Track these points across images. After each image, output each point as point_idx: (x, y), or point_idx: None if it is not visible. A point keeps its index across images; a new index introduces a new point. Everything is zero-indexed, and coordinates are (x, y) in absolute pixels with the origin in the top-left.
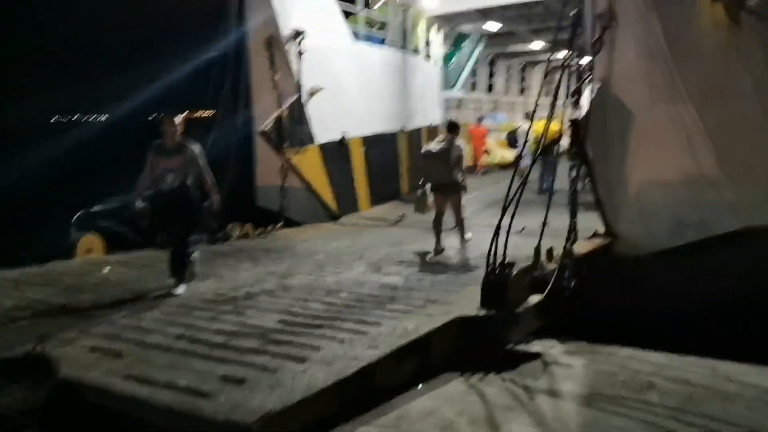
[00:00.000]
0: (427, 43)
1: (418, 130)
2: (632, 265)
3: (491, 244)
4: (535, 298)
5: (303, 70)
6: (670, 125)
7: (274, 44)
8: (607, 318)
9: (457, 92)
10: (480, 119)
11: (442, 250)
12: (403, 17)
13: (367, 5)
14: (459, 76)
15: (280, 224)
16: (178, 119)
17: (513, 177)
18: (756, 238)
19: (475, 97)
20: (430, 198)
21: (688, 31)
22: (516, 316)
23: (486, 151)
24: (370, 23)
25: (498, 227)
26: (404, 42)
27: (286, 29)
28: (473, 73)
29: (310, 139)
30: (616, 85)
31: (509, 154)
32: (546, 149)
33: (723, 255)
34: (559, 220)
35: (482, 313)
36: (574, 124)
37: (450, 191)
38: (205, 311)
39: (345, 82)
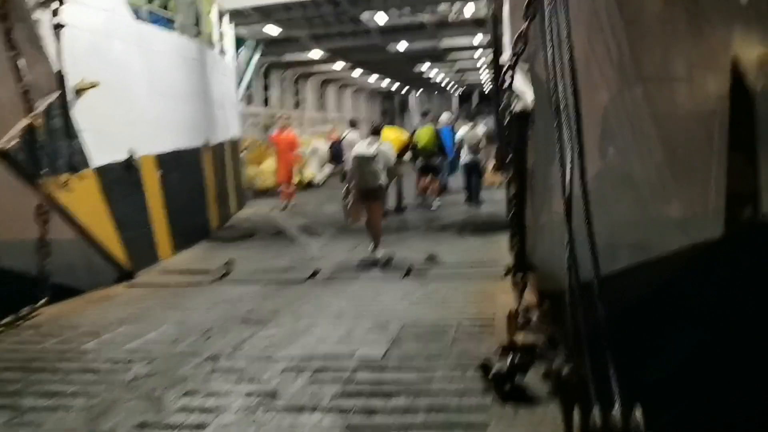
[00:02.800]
0: (220, 37)
1: (221, 146)
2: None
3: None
4: None
5: (65, 54)
6: (614, 119)
7: (11, 12)
8: None
9: None
10: (284, 125)
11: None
12: None
13: None
14: (238, 87)
15: (43, 301)
16: None
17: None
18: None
19: (253, 110)
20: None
21: None
22: None
23: (299, 169)
24: None
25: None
26: (198, 29)
27: None
28: (248, 84)
29: (83, 161)
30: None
31: (308, 172)
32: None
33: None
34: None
35: None
36: (520, 117)
37: (374, 197)
38: None
39: (128, 77)
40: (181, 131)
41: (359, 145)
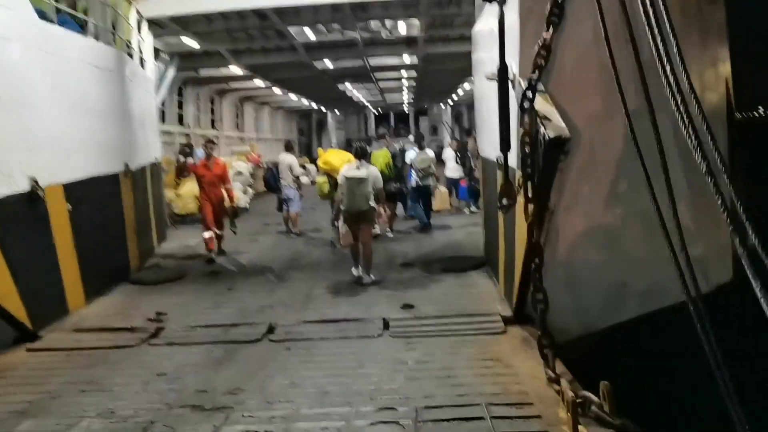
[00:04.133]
0: (139, 45)
1: (142, 170)
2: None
3: None
4: None
5: None
6: (632, 148)
7: None
8: None
9: None
10: (210, 150)
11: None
12: None
13: None
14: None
15: None
16: None
17: None
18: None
19: (166, 129)
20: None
21: None
22: None
23: (231, 200)
24: None
25: None
26: (114, 35)
27: None
28: (162, 101)
29: None
30: (558, 85)
31: (239, 195)
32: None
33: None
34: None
35: None
36: (555, 143)
37: (365, 220)
38: None
39: (30, 89)
40: (96, 154)
41: (348, 168)
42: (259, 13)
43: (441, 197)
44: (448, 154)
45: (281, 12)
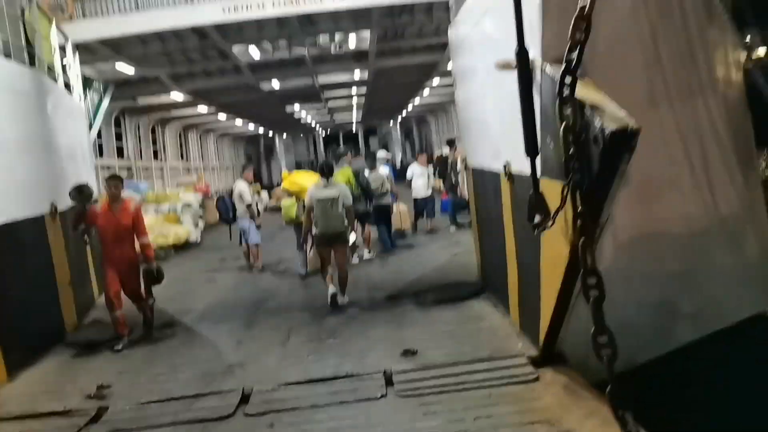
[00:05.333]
0: (64, 69)
1: (74, 209)
2: None
3: None
4: None
5: None
6: (678, 140)
7: None
8: None
9: None
10: (115, 194)
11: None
12: (21, 9)
13: None
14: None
15: None
16: None
17: None
18: None
19: (105, 163)
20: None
21: None
22: None
23: (148, 260)
24: None
25: None
26: (32, 55)
27: None
28: (98, 133)
29: None
30: (592, 68)
31: (182, 231)
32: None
33: None
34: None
35: None
36: (620, 137)
37: (338, 241)
38: None
39: None
40: (14, 195)
41: (316, 189)
42: (199, 32)
43: (401, 216)
44: (416, 170)
45: (222, 29)
